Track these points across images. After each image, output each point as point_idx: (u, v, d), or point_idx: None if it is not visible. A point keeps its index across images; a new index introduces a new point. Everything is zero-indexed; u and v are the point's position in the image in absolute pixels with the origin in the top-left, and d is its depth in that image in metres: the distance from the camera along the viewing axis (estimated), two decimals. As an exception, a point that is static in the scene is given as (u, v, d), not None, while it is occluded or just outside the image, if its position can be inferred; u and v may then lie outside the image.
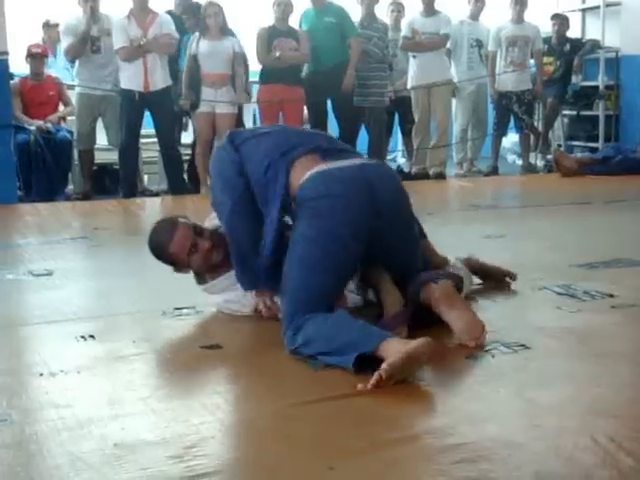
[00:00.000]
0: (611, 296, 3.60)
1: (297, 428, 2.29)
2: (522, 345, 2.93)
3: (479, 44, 9.33)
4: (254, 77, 8.48)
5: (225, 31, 7.90)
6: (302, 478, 1.97)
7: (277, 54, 8.02)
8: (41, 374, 2.75)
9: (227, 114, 7.92)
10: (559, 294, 3.66)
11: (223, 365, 2.87)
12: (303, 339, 2.79)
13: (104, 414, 2.40)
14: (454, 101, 9.43)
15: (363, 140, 8.68)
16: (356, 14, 8.65)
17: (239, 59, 7.96)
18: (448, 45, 9.11)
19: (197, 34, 7.85)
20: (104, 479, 1.97)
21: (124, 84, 7.78)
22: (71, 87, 8.39)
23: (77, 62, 8.07)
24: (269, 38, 8.10)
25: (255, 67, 8.39)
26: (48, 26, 9.19)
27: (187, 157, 8.47)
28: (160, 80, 7.74)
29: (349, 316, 2.84)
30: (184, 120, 8.48)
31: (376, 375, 2.49)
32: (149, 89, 7.68)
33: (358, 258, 3.02)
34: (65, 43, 8.06)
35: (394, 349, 2.57)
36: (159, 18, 7.80)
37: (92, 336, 3.16)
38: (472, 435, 2.18)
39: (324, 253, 2.90)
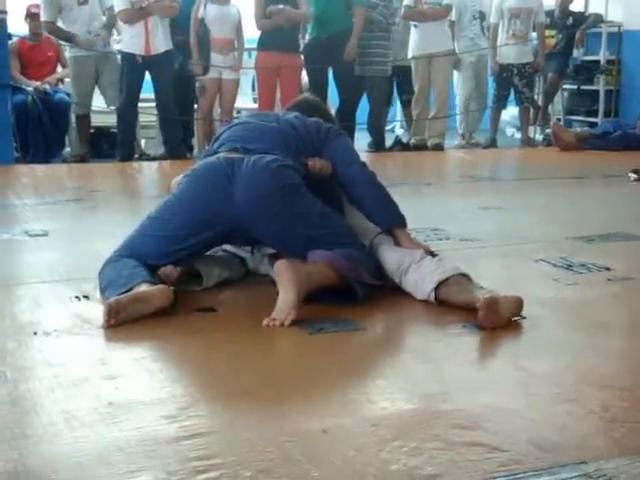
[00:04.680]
0: (607, 269, 3.61)
1: (290, 390, 2.30)
2: (518, 315, 2.93)
3: (482, 16, 9.27)
4: (252, 44, 8.44)
5: None
6: (296, 437, 1.97)
7: (280, 7, 7.90)
8: (35, 333, 2.75)
9: (233, 80, 7.98)
10: (555, 266, 3.66)
11: (218, 327, 2.87)
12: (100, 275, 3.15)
13: (98, 374, 2.39)
14: (455, 73, 9.39)
15: (364, 110, 8.63)
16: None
17: (240, 25, 7.96)
18: (452, 17, 9.05)
19: None
20: (98, 437, 1.96)
21: (125, 47, 7.73)
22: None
23: (63, 19, 7.87)
24: (267, 4, 8.04)
25: (250, 34, 8.34)
26: None
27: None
28: (162, 43, 7.67)
29: (130, 262, 3.09)
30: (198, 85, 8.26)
31: (105, 307, 2.81)
32: (150, 52, 7.62)
33: (201, 236, 3.14)
34: (46, 11, 7.86)
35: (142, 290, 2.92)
36: None
37: (86, 296, 3.15)
38: (466, 402, 2.18)
39: (157, 221, 3.21)
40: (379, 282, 3.14)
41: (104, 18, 7.94)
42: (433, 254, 3.23)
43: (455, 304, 3.01)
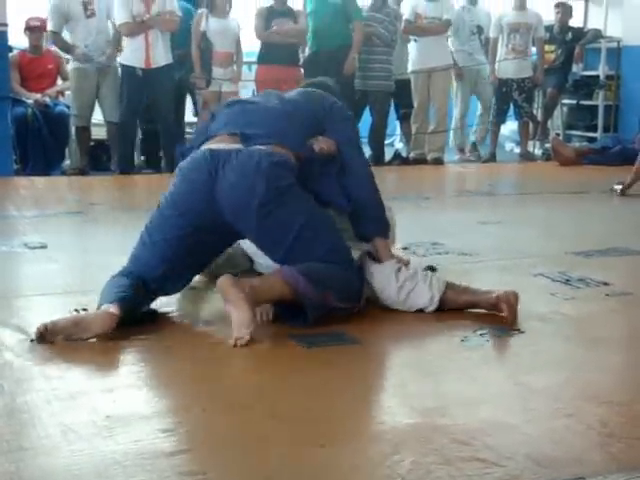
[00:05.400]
0: (605, 284, 3.61)
1: (287, 402, 2.29)
2: (516, 330, 2.94)
3: (480, 30, 9.30)
4: (252, 57, 8.46)
5: (229, 9, 7.94)
6: (292, 452, 1.96)
7: (275, 27, 7.98)
8: (32, 340, 2.75)
9: (232, 92, 7.99)
10: (554, 281, 3.66)
11: (216, 341, 2.86)
12: None
13: (96, 386, 2.39)
14: (454, 87, 9.42)
15: (366, 123, 8.64)
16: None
17: (239, 38, 8.01)
18: (450, 32, 9.09)
19: (203, 10, 7.84)
20: (95, 450, 1.96)
21: (125, 60, 7.74)
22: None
23: (68, 28, 7.85)
24: (267, 18, 8.08)
25: (250, 47, 8.36)
26: None
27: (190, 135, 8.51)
28: (162, 57, 7.69)
29: (120, 280, 3.02)
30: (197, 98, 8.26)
31: (39, 326, 2.77)
32: (150, 66, 7.64)
33: (192, 234, 3.05)
34: (52, 21, 7.85)
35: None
36: None
37: (85, 309, 3.14)
38: (465, 417, 2.18)
39: (151, 227, 3.13)
40: (349, 305, 3.05)
41: (112, 32, 7.96)
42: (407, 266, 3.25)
43: (458, 307, 3.10)
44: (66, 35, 7.91)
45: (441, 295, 3.11)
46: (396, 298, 3.13)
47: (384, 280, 3.15)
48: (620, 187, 6.40)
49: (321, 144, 3.24)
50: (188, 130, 8.76)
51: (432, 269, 3.46)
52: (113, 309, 2.83)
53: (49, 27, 7.92)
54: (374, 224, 3.29)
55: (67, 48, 7.87)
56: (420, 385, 2.50)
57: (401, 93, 8.98)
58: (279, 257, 3.06)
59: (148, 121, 8.09)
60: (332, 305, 2.97)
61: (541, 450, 1.97)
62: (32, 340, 2.76)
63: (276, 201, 3.00)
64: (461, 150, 9.53)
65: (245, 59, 8.45)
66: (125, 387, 2.40)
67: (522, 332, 2.91)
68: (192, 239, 3.06)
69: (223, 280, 2.82)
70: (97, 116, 8.16)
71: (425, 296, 3.11)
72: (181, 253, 3.08)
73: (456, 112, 9.49)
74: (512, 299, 3.06)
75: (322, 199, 3.19)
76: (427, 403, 2.31)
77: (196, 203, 3.04)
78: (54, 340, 2.75)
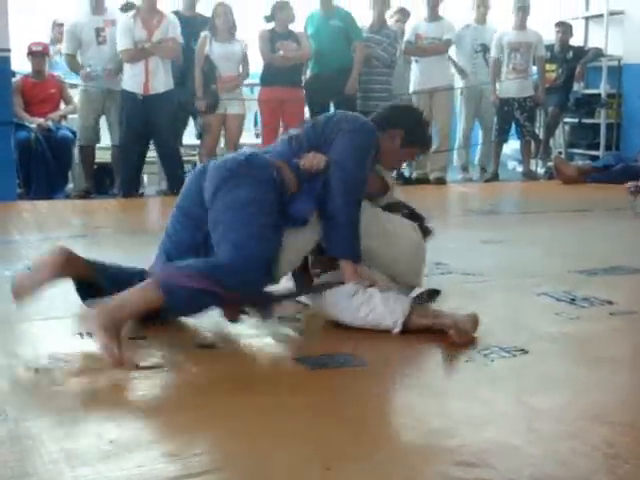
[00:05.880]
0: (610, 303, 3.60)
1: (292, 427, 2.28)
2: (521, 350, 2.93)
3: (484, 49, 9.34)
4: (255, 79, 8.50)
5: (234, 32, 7.96)
6: (298, 475, 1.96)
7: (281, 52, 8.04)
8: (37, 370, 2.74)
9: (238, 115, 8.02)
10: (558, 300, 3.66)
11: (218, 364, 2.86)
12: None
13: (99, 411, 2.39)
14: (458, 105, 9.45)
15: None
16: (365, 19, 8.73)
17: (245, 60, 8.03)
18: (452, 50, 9.13)
19: (207, 34, 7.88)
20: (99, 475, 1.95)
21: (125, 85, 7.78)
22: (73, 86, 8.39)
23: (81, 53, 8.04)
24: (271, 40, 8.13)
25: (252, 69, 8.41)
26: (58, 25, 9.21)
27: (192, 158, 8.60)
28: (161, 84, 7.72)
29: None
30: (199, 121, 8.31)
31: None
32: (149, 92, 7.67)
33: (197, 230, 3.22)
34: (67, 44, 8.08)
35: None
36: (166, 21, 7.75)
37: (90, 334, 3.14)
38: (470, 438, 2.17)
39: (165, 235, 3.37)
40: (246, 294, 3.02)
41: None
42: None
43: (423, 328, 3.10)
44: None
45: (405, 318, 3.10)
46: (356, 316, 3.15)
47: (342, 301, 3.18)
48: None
49: (305, 160, 3.29)
50: (192, 152, 8.81)
51: (436, 293, 3.48)
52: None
53: (64, 50, 8.16)
54: (341, 244, 3.29)
55: (76, 69, 8.03)
56: (425, 406, 2.49)
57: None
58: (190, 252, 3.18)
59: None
60: (215, 290, 2.90)
61: (545, 471, 1.96)
62: (36, 370, 2.75)
63: (223, 190, 3.15)
64: (465, 169, 9.54)
65: (248, 81, 8.49)
66: (129, 412, 2.40)
67: (526, 352, 2.90)
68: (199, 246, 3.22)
69: (85, 310, 3.04)
70: (103, 140, 8.22)
71: (387, 319, 3.11)
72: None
73: (460, 131, 9.51)
74: (468, 325, 3.04)
75: (290, 213, 3.21)
76: (432, 424, 2.31)
77: (191, 205, 3.30)
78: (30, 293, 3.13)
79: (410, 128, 3.61)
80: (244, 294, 3.01)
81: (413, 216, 3.67)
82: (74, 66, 8.10)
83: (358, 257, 3.30)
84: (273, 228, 3.12)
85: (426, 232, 3.65)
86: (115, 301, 2.87)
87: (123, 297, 2.89)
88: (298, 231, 3.22)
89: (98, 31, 7.91)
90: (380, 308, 3.12)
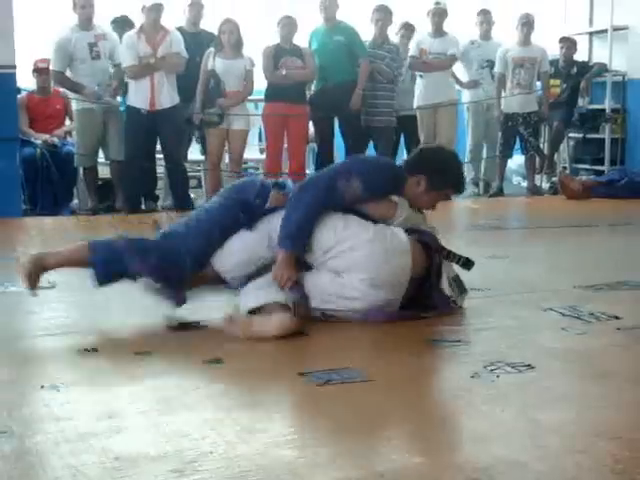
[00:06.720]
0: (616, 318, 3.59)
1: (299, 445, 2.27)
2: (527, 365, 2.92)
3: (490, 64, 9.36)
4: (259, 95, 8.52)
5: (239, 49, 7.97)
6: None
7: (284, 72, 8.06)
8: (42, 386, 2.74)
9: (241, 130, 8.02)
10: (564, 315, 3.65)
11: (224, 380, 2.86)
12: None
13: (105, 427, 2.38)
14: (466, 120, 9.48)
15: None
16: (369, 34, 8.74)
17: (250, 76, 8.02)
18: (459, 66, 9.17)
19: (211, 50, 7.90)
20: (104, 492, 1.95)
21: (130, 101, 7.79)
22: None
23: (71, 69, 7.86)
24: (275, 56, 8.14)
25: (257, 85, 8.42)
26: None
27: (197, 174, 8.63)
28: (167, 99, 7.73)
29: None
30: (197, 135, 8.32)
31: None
32: (155, 107, 7.68)
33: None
34: (56, 61, 7.85)
35: None
36: (169, 36, 7.77)
37: (95, 349, 3.14)
38: (476, 454, 2.16)
39: None
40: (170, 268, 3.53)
41: (111, 71, 8.00)
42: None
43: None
44: (68, 75, 7.93)
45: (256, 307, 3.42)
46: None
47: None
48: None
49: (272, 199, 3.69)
50: (197, 168, 8.83)
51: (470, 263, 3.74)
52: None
53: (52, 67, 7.93)
54: (281, 238, 3.56)
55: (75, 88, 7.89)
56: (431, 422, 2.48)
57: (410, 128, 9.02)
58: None
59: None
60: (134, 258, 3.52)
61: (553, 487, 1.95)
62: (42, 386, 2.75)
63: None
64: (476, 184, 9.54)
65: (253, 96, 8.50)
66: (134, 428, 2.39)
67: (532, 368, 2.89)
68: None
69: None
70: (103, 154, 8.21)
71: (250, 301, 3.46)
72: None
73: (468, 146, 9.53)
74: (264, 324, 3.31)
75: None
76: (438, 440, 2.30)
77: None
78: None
79: (433, 174, 3.77)
80: (160, 273, 3.53)
81: (450, 256, 3.88)
82: (65, 84, 7.97)
83: (292, 251, 3.56)
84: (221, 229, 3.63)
85: (468, 265, 3.82)
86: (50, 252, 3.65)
87: (59, 250, 3.67)
88: (249, 235, 3.63)
89: (91, 46, 7.81)
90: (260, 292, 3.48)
